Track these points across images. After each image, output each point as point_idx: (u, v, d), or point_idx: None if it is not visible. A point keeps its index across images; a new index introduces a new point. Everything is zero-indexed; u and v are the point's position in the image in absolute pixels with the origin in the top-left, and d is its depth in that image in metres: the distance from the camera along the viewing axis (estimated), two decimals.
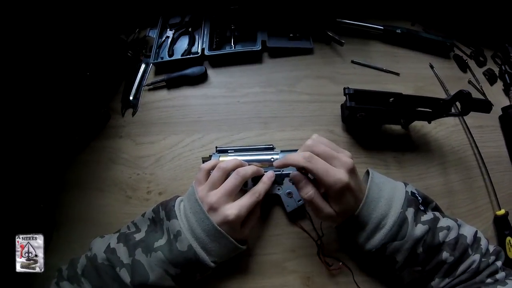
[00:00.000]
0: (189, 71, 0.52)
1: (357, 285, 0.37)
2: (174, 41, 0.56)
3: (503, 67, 0.58)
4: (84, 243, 0.37)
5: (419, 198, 0.36)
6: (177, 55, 0.54)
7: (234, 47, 0.53)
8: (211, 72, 0.53)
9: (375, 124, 0.49)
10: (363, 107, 0.43)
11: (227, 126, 0.48)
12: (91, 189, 0.46)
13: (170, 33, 0.56)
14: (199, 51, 0.53)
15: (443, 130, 0.51)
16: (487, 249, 0.34)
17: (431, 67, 0.56)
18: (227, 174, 0.36)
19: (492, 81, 0.58)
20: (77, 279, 0.32)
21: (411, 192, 0.36)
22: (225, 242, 0.33)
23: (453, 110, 0.45)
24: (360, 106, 0.43)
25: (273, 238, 0.41)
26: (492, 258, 0.33)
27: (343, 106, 0.48)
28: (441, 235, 0.33)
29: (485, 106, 0.43)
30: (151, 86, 0.53)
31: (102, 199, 0.45)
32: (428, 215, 0.34)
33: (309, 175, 0.35)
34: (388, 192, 0.34)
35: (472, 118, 0.51)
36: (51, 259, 0.39)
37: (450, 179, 0.47)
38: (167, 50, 0.55)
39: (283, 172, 0.41)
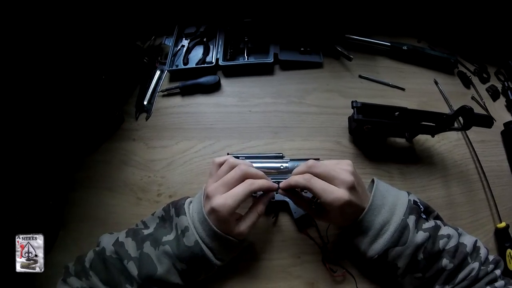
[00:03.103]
0: (203, 79, 0.54)
1: None
2: (189, 50, 0.58)
3: (506, 83, 0.60)
4: (92, 241, 0.37)
5: (421, 206, 0.37)
6: (192, 64, 0.56)
7: (247, 59, 0.56)
8: (224, 82, 0.55)
9: (380, 136, 0.51)
10: (369, 120, 0.45)
11: (238, 134, 0.50)
12: (102, 189, 0.47)
13: (185, 42, 0.59)
14: (214, 61, 0.55)
15: (446, 144, 0.52)
16: (487, 258, 0.35)
17: (436, 83, 0.59)
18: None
19: (495, 97, 0.59)
20: (85, 272, 0.33)
21: (414, 200, 0.37)
22: (222, 239, 0.33)
23: (456, 125, 0.47)
24: (366, 119, 0.45)
25: (279, 243, 0.42)
26: (491, 266, 0.34)
27: (351, 119, 0.50)
28: (441, 242, 0.34)
29: (486, 121, 0.44)
30: (165, 92, 0.55)
31: (112, 199, 0.46)
32: (430, 223, 0.35)
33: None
34: (391, 199, 0.36)
35: (475, 133, 0.53)
36: (58, 257, 0.40)
37: (452, 192, 0.48)
38: (182, 58, 0.57)
39: None
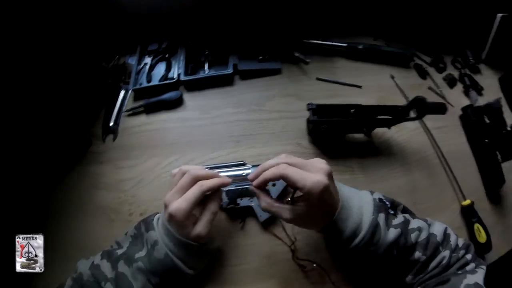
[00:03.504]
0: (166, 96, 0.55)
1: (332, 283, 0.39)
2: (152, 67, 0.59)
3: (462, 70, 0.63)
4: (71, 266, 0.37)
5: (387, 202, 0.37)
6: (155, 81, 0.57)
7: (208, 72, 0.57)
8: (186, 96, 0.56)
9: (339, 134, 0.52)
10: (325, 120, 0.47)
11: (202, 146, 0.51)
12: (75, 214, 0.47)
13: (148, 60, 0.60)
14: (175, 76, 0.56)
15: (405, 134, 0.54)
16: (457, 245, 0.36)
17: (392, 77, 0.60)
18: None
19: (452, 85, 0.62)
20: None
21: (379, 198, 0.37)
22: (187, 246, 0.34)
23: (411, 115, 0.48)
24: (321, 119, 0.47)
25: (249, 247, 0.43)
26: (462, 252, 0.35)
27: (308, 120, 0.52)
28: (413, 236, 0.35)
29: (440, 108, 0.46)
30: (130, 112, 0.56)
31: (86, 223, 0.46)
32: (399, 218, 0.36)
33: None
34: (356, 201, 0.36)
35: (433, 121, 0.55)
36: (39, 285, 0.40)
37: (414, 178, 0.50)
38: (145, 76, 0.58)
39: None
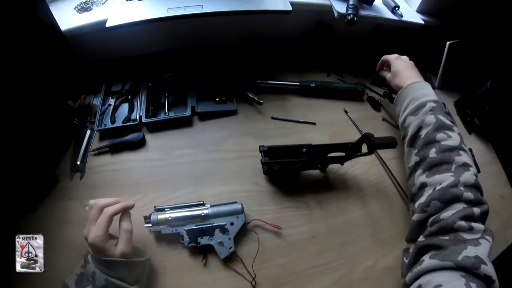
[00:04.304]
0: (129, 137, 0.58)
1: None
2: (115, 108, 0.62)
3: None
4: None
5: (449, 116, 0.51)
6: (119, 122, 0.60)
7: (168, 113, 0.60)
8: (148, 137, 0.59)
9: (293, 172, 0.56)
10: (276, 161, 0.51)
11: (164, 186, 0.54)
12: (45, 250, 0.46)
13: (112, 101, 0.62)
14: (137, 118, 0.59)
15: (360, 167, 0.58)
16: (469, 184, 0.39)
17: (345, 112, 0.65)
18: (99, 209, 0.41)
19: None
20: None
21: (445, 106, 0.56)
22: (116, 264, 0.37)
23: (362, 151, 0.51)
24: (273, 161, 0.50)
25: (212, 283, 0.45)
26: (470, 195, 0.37)
27: (261, 162, 0.55)
28: (440, 136, 0.44)
29: (390, 143, 0.49)
30: (96, 152, 0.58)
31: (56, 258, 0.47)
32: (446, 118, 0.47)
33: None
34: (428, 91, 0.51)
35: (388, 152, 0.58)
36: None
37: (372, 209, 0.53)
38: (109, 117, 0.61)
39: (213, 224, 0.47)
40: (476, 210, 0.37)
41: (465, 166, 0.41)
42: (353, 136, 0.62)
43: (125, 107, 0.62)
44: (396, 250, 0.49)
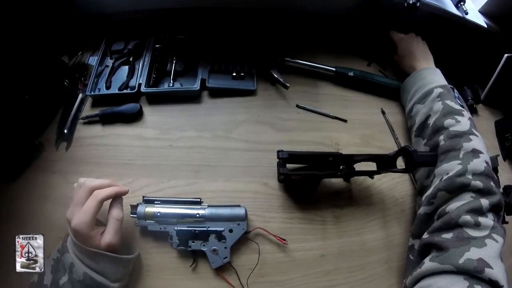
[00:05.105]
0: (124, 107, 0.49)
1: None
2: (113, 70, 0.53)
3: None
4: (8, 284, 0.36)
5: (459, 100, 0.46)
6: (115, 88, 0.51)
7: (173, 84, 0.50)
8: (147, 110, 0.51)
9: (313, 182, 0.47)
10: (298, 173, 0.42)
11: (157, 172, 0.46)
12: (22, 225, 0.44)
13: (110, 62, 0.53)
14: (136, 86, 0.50)
15: (388, 181, 0.49)
16: (479, 172, 0.36)
17: (383, 112, 0.54)
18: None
19: None
20: None
21: (455, 90, 0.47)
22: (99, 256, 0.34)
23: (397, 166, 0.42)
24: (295, 173, 0.42)
25: None
26: (479, 183, 0.35)
27: (278, 167, 0.45)
28: (448, 122, 0.42)
29: (431, 161, 0.42)
30: (86, 120, 0.50)
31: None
32: (455, 103, 0.44)
33: None
34: (436, 78, 0.48)
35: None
36: None
37: (391, 233, 0.47)
38: (105, 80, 0.52)
39: (209, 229, 0.41)
40: (485, 202, 0.34)
41: (475, 152, 0.38)
42: (386, 143, 0.52)
43: (124, 70, 0.53)
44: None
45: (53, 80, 0.52)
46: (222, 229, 0.40)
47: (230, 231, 0.41)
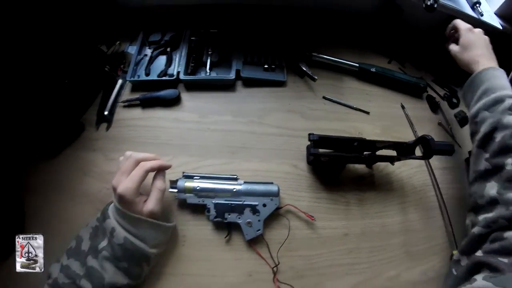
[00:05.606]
0: (163, 93, 0.53)
1: None
2: (152, 59, 0.56)
3: None
4: (49, 253, 0.38)
5: None
6: (154, 75, 0.54)
7: (209, 73, 0.54)
8: (185, 96, 0.54)
9: (339, 165, 0.50)
10: (326, 154, 0.45)
11: (195, 152, 0.49)
12: (61, 197, 0.46)
13: (148, 52, 0.57)
14: (175, 73, 0.53)
15: (407, 170, 0.53)
16: None
17: (402, 107, 0.58)
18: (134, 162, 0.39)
19: (462, 123, 0.59)
20: None
21: None
22: (141, 222, 0.36)
23: (416, 154, 0.46)
24: (323, 153, 0.45)
25: (233, 262, 0.43)
26: None
27: (309, 148, 0.50)
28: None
29: (448, 150, 0.44)
30: (126, 103, 0.54)
31: (72, 208, 0.46)
32: None
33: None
34: (505, 83, 0.44)
35: (438, 160, 0.53)
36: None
37: (409, 218, 0.49)
38: (144, 68, 0.55)
39: (244, 203, 0.43)
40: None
41: None
42: (405, 134, 0.56)
43: (162, 59, 0.56)
44: (424, 265, 0.47)
45: (92, 67, 0.56)
46: (257, 203, 0.43)
47: (264, 205, 0.43)
